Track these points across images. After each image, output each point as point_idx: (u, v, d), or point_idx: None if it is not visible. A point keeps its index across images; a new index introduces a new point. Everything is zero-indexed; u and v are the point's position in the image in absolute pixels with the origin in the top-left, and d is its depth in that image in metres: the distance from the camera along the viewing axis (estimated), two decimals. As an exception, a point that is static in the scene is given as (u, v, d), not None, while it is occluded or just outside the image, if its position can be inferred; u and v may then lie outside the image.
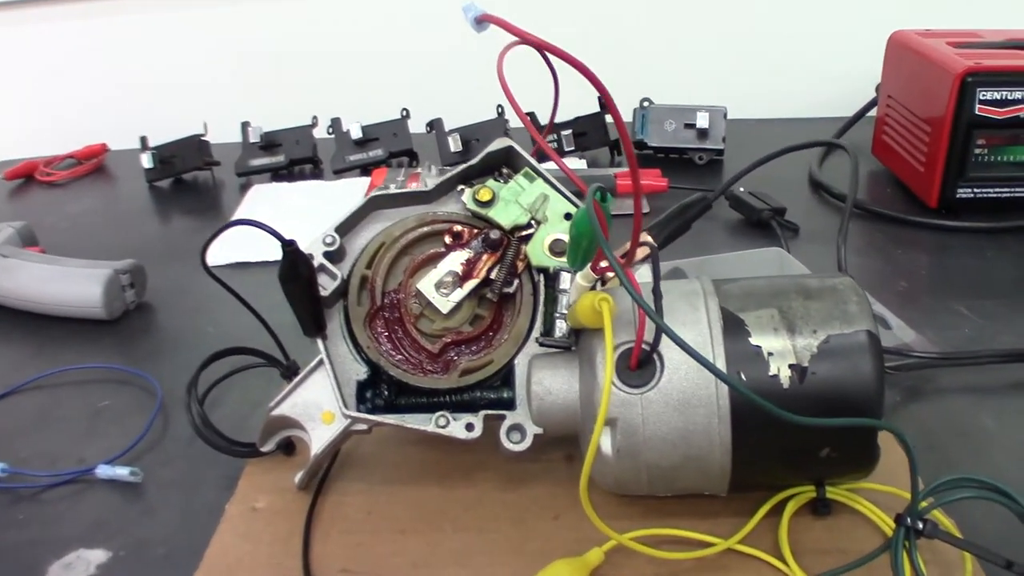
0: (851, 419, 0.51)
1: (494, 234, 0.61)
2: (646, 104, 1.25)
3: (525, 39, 0.42)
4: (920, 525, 0.50)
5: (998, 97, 0.97)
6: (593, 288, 0.55)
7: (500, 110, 1.22)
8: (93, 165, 1.35)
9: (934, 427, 0.69)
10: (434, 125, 1.24)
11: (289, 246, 0.55)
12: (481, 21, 0.43)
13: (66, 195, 1.28)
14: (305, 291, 0.58)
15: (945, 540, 0.50)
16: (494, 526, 0.60)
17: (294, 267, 0.56)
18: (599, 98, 1.20)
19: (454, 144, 1.20)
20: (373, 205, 0.63)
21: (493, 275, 0.61)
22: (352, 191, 1.17)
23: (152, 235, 1.13)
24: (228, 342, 0.70)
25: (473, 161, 0.63)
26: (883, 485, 0.59)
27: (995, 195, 1.02)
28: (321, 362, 0.60)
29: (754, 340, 0.53)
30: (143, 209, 1.22)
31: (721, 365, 0.53)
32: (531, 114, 1.17)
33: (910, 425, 0.69)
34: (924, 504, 0.53)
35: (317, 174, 1.28)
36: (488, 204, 0.62)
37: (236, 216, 1.12)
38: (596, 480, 0.57)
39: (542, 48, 0.42)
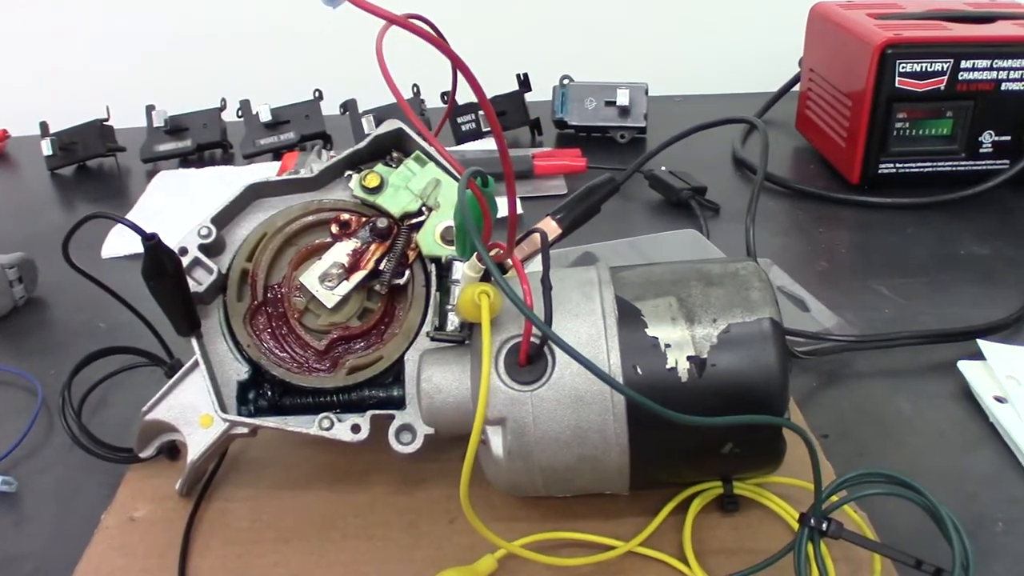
0: (747, 417, 0.48)
1: (382, 222, 0.57)
2: (566, 82, 1.21)
3: (383, 16, 0.38)
4: (824, 525, 0.47)
5: (918, 69, 0.95)
6: (484, 279, 0.52)
7: (416, 90, 1.18)
8: (-7, 152, 1.29)
9: (850, 413, 0.67)
10: (348, 107, 1.19)
11: (150, 240, 0.51)
12: (333, -4, 0.39)
13: (-35, 184, 1.22)
14: (173, 288, 0.53)
15: (850, 540, 0.48)
16: (384, 532, 0.56)
17: (158, 262, 0.52)
18: (518, 76, 1.18)
19: (368, 126, 1.15)
20: (254, 193, 0.59)
21: (382, 266, 0.57)
22: (263, 177, 1.12)
23: (52, 225, 1.07)
24: (118, 339, 0.66)
25: (361, 145, 0.59)
26: (793, 479, 0.56)
27: (917, 170, 1.00)
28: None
29: (651, 331, 0.50)
30: (44, 198, 1.16)
31: (615, 358, 0.49)
32: (446, 94, 1.14)
33: (825, 412, 0.66)
34: (835, 498, 0.50)
35: (227, 159, 1.23)
36: (376, 190, 0.58)
37: (139, 205, 1.07)
38: (492, 482, 0.54)
39: (401, 26, 0.38)
